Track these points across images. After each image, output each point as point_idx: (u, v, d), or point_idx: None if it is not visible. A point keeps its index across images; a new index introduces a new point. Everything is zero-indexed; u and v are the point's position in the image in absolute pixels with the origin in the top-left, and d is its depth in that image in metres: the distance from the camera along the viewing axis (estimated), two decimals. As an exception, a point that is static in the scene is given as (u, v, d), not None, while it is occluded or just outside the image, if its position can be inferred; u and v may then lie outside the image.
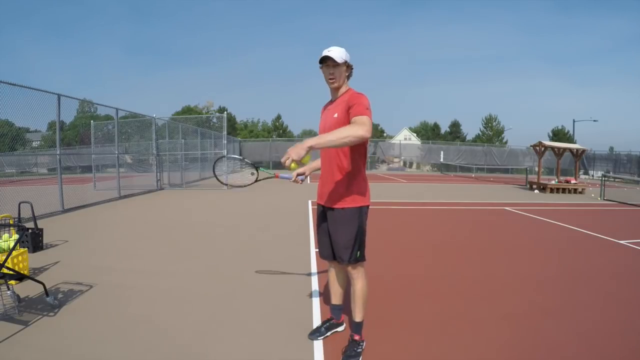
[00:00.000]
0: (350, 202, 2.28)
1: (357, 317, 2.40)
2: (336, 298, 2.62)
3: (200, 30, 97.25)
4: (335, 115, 2.24)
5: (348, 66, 2.30)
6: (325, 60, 2.23)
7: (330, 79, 2.28)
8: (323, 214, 2.44)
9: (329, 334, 2.59)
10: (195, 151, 16.10)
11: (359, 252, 2.32)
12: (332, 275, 2.60)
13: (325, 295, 3.05)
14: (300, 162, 1.97)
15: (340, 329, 2.66)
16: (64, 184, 7.59)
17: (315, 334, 2.57)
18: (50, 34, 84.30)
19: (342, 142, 1.97)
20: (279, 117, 38.26)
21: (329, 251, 2.42)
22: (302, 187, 14.20)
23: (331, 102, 2.41)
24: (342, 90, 2.34)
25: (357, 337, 2.39)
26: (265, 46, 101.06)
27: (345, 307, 2.63)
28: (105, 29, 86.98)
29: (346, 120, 2.16)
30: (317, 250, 2.61)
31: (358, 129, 1.99)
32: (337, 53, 2.22)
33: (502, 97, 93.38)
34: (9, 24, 72.20)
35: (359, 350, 2.34)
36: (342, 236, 2.29)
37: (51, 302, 2.96)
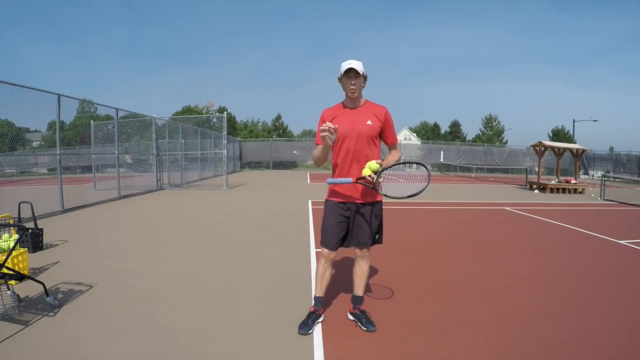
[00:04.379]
0: (379, 197, 2.67)
1: (361, 292, 2.84)
2: (322, 291, 2.79)
3: (200, 30, 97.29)
4: (369, 122, 2.58)
5: (365, 78, 2.58)
6: (349, 72, 2.49)
7: (352, 88, 2.53)
8: (347, 209, 2.65)
9: (315, 326, 2.71)
10: (195, 151, 16.11)
11: (380, 237, 2.76)
12: (324, 271, 2.75)
13: (325, 294, 3.04)
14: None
15: (320, 319, 2.79)
16: (64, 184, 7.59)
17: (304, 327, 2.66)
18: (50, 34, 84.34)
19: None
20: (279, 117, 38.20)
21: (336, 242, 2.66)
22: (301, 187, 14.21)
23: (347, 107, 2.65)
24: (361, 98, 2.65)
25: (363, 308, 2.82)
26: (266, 46, 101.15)
27: (325, 299, 2.88)
28: (105, 30, 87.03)
29: (378, 128, 2.61)
30: (323, 243, 2.69)
31: (399, 154, 2.72)
32: (359, 66, 2.49)
33: (502, 97, 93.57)
34: (9, 24, 72.18)
35: (368, 316, 2.77)
36: (374, 225, 2.68)
37: (51, 302, 2.96)
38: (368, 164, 2.42)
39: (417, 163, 2.65)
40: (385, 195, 2.50)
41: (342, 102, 2.69)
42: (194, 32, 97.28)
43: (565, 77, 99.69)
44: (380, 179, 2.47)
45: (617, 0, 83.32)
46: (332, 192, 2.69)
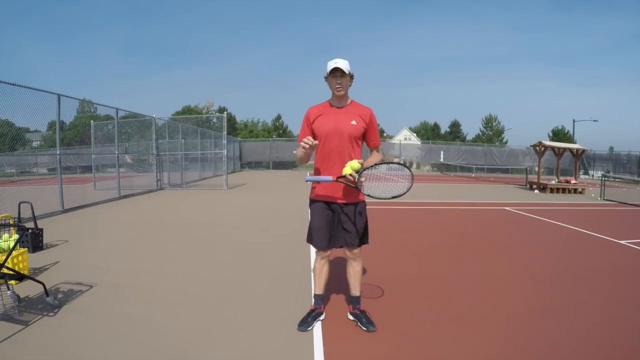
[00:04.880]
0: (362, 196, 2.64)
1: (358, 292, 2.82)
2: (320, 288, 2.85)
3: (200, 30, 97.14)
4: (354, 122, 2.61)
5: (351, 77, 2.61)
6: (335, 71, 2.51)
7: (338, 88, 2.56)
8: (331, 210, 2.67)
9: (315, 323, 2.75)
10: (195, 151, 16.11)
11: (366, 237, 2.74)
12: (320, 268, 2.81)
13: (324, 294, 3.05)
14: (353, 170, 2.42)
15: (322, 317, 2.84)
16: (64, 184, 7.59)
17: (303, 324, 2.71)
18: (50, 34, 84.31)
19: None
20: (279, 117, 38.30)
21: (328, 242, 2.70)
22: (301, 187, 14.21)
23: (333, 106, 2.67)
24: (347, 98, 2.67)
25: (362, 308, 2.81)
26: (266, 46, 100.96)
27: (325, 298, 2.97)
28: (105, 30, 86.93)
29: (362, 129, 2.63)
30: (315, 244, 2.73)
31: (380, 156, 2.71)
32: (344, 65, 2.51)
33: (502, 97, 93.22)
34: (9, 24, 72.24)
35: (368, 316, 2.76)
36: (359, 225, 2.66)
37: (51, 302, 2.96)
38: (349, 163, 2.41)
39: (398, 164, 2.62)
40: (368, 196, 2.48)
41: (329, 101, 2.71)
42: (195, 32, 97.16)
43: (565, 77, 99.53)
44: (362, 179, 2.46)
45: (618, 0, 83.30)
46: (316, 193, 2.70)
